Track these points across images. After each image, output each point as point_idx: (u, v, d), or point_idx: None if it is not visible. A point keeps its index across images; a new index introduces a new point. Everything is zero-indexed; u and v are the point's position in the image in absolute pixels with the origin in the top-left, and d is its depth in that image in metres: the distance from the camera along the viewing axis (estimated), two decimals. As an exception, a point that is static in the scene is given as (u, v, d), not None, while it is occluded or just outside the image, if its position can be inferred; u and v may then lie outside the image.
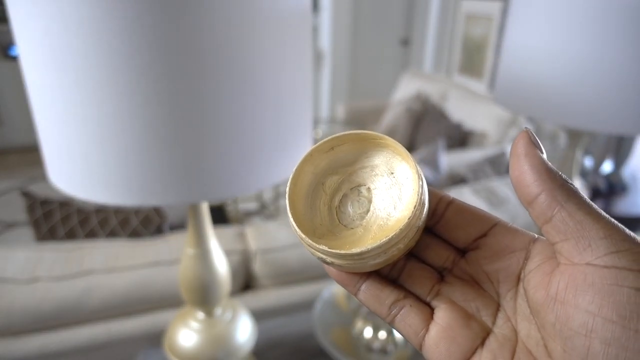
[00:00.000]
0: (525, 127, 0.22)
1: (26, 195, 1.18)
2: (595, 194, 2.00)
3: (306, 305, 0.98)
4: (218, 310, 0.71)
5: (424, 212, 0.23)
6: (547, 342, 0.21)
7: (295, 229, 0.23)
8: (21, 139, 3.41)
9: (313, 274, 1.03)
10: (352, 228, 0.24)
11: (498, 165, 1.61)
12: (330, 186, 0.25)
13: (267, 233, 1.05)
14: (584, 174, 2.04)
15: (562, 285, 0.20)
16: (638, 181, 2.12)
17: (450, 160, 1.70)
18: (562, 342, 0.20)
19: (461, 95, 2.41)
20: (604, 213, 0.20)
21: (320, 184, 0.25)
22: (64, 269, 0.90)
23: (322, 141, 0.25)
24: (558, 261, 0.21)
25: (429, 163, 1.52)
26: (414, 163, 0.23)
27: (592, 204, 0.20)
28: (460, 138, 2.19)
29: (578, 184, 0.98)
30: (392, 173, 0.24)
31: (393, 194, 0.24)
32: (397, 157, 0.24)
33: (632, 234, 0.20)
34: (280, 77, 0.50)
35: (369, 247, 0.21)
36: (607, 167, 2.11)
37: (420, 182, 0.22)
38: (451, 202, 0.25)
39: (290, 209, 0.24)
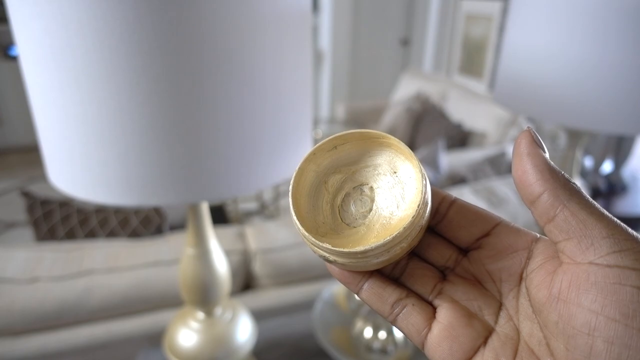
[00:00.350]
0: (528, 126, 0.22)
1: (26, 195, 1.18)
2: (595, 194, 2.00)
3: (306, 305, 0.98)
4: (218, 310, 0.71)
5: (427, 212, 0.23)
6: (549, 341, 0.21)
7: (298, 227, 0.23)
8: (21, 139, 3.41)
9: (313, 274, 1.03)
10: (354, 227, 0.24)
11: (498, 165, 1.61)
12: (333, 185, 0.25)
13: (267, 233, 1.05)
14: (584, 174, 2.04)
15: (565, 284, 0.20)
16: (638, 181, 2.12)
17: (450, 160, 1.70)
18: (564, 340, 0.20)
19: (461, 95, 2.41)
20: (606, 212, 0.20)
21: (323, 182, 0.25)
22: (64, 269, 0.90)
23: (325, 140, 0.25)
24: (561, 260, 0.21)
25: (429, 163, 1.52)
26: (417, 162, 0.23)
27: (595, 203, 0.20)
28: (460, 138, 2.19)
29: (578, 183, 0.98)
30: (395, 172, 0.24)
31: (396, 193, 0.24)
32: (400, 156, 0.24)
33: (634, 233, 0.20)
34: (280, 77, 0.50)
35: (373, 245, 0.21)
36: (607, 167, 2.10)
37: (424, 182, 0.22)
38: (454, 202, 0.25)
39: (294, 207, 0.24)
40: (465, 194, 1.23)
